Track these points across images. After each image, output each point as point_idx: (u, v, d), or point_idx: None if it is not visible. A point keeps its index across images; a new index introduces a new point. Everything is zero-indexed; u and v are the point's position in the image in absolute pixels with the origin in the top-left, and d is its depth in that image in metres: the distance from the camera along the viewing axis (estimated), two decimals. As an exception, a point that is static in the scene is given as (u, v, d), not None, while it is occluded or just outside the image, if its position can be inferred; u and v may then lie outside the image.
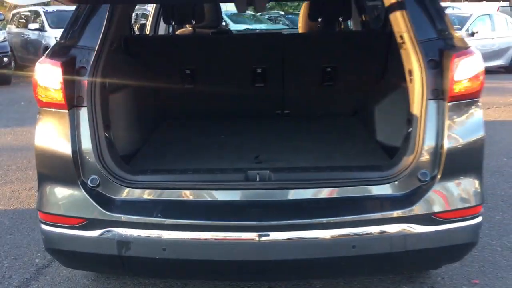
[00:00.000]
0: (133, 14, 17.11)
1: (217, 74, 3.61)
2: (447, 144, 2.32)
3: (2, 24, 16.61)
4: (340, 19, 3.43)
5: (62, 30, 2.71)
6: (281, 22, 19.89)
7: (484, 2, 31.00)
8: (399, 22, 2.58)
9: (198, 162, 2.76)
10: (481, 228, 2.45)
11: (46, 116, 2.42)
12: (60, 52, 2.47)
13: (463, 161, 2.36)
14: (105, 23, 2.54)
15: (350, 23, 5.06)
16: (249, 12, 18.47)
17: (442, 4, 2.64)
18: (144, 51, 3.49)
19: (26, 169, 5.37)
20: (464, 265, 3.12)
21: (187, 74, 3.58)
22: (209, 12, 4.38)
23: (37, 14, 14.81)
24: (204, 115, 3.71)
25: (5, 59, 12.17)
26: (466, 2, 31.52)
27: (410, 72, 2.52)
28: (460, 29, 12.49)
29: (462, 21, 13.34)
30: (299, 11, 23.72)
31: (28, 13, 15.46)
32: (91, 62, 2.44)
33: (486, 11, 14.94)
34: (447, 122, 2.34)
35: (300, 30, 4.24)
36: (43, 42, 13.47)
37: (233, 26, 16.76)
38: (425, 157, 2.33)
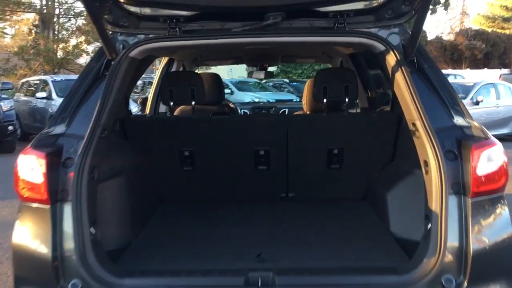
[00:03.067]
0: (140, 82, 17.28)
1: (218, 157, 3.42)
2: (473, 245, 2.07)
3: (11, 93, 16.87)
4: (346, 99, 3.28)
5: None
6: (285, 89, 20.14)
7: (486, 69, 31.62)
8: (410, 108, 2.41)
9: (194, 260, 2.50)
10: None
11: (26, 212, 2.21)
12: (46, 141, 2.30)
13: (492, 265, 2.10)
14: (97, 108, 2.38)
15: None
16: (254, 79, 18.72)
17: (444, 71, 2.53)
18: (140, 133, 3.33)
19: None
20: None
21: (186, 156, 3.40)
22: (211, 88, 4.27)
23: (45, 83, 15.05)
24: (203, 201, 3.49)
25: (10, 127, 12.17)
26: (468, 69, 32.15)
27: (426, 163, 2.31)
28: (464, 98, 12.46)
29: (466, 90, 13.36)
30: (303, 78, 24.13)
31: (37, 82, 15.72)
32: (79, 151, 2.26)
33: (489, 80, 15.03)
34: (471, 220, 2.11)
35: (304, 107, 4.09)
36: (49, 110, 13.55)
37: (238, 94, 16.97)
38: (449, 260, 2.08)
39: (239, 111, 5.99)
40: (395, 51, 2.54)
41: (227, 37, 2.67)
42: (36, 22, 28.11)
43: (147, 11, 2.71)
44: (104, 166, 2.52)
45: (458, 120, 2.35)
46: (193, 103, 3.29)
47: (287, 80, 22.42)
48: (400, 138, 3.28)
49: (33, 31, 28.44)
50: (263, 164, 3.45)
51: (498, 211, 2.20)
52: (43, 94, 14.18)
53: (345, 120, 3.33)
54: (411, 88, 2.40)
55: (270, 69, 5.98)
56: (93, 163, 2.34)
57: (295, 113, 4.18)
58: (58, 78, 15.11)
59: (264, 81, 18.75)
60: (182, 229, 3.08)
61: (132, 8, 2.66)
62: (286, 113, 5.98)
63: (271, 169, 3.47)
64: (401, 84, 2.48)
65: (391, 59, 2.57)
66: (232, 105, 5.89)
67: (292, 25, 2.71)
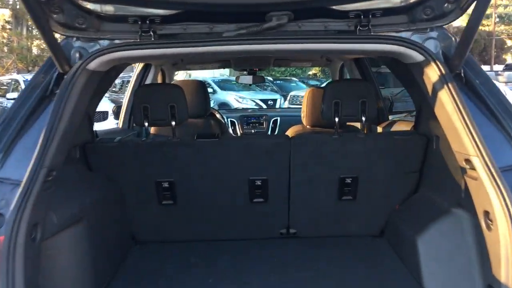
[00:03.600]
0: (119, 81, 16.31)
1: (204, 188, 2.79)
2: None
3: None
4: (363, 118, 2.67)
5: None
6: (269, 88, 19.52)
7: None
8: (463, 140, 1.82)
9: None
10: None
11: None
12: None
13: None
14: (41, 141, 1.74)
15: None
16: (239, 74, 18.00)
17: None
18: (108, 162, 2.68)
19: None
20: None
21: (165, 188, 2.75)
22: (195, 99, 3.63)
23: (17, 82, 14.18)
24: (186, 241, 2.84)
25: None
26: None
27: (487, 214, 1.73)
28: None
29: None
30: (286, 76, 23.52)
31: (9, 81, 14.82)
32: (13, 205, 1.62)
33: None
34: None
35: (304, 120, 3.44)
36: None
37: (221, 93, 16.29)
38: None
39: (225, 120, 5.34)
40: (438, 63, 1.95)
41: (217, 44, 2.04)
42: (9, 19, 26.95)
43: (111, 9, 2.07)
44: (52, 218, 1.87)
45: None
46: (173, 123, 2.65)
47: (270, 78, 21.79)
48: (427, 164, 2.70)
49: (6, 27, 27.26)
50: (259, 196, 2.83)
51: None
52: (14, 95, 13.31)
53: (362, 143, 2.71)
54: (464, 113, 1.81)
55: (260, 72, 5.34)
56: (34, 219, 1.70)
57: (295, 129, 3.52)
58: (30, 77, 14.22)
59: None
60: (157, 278, 2.45)
61: (91, 5, 2.01)
62: (279, 122, 5.35)
63: (269, 202, 2.85)
64: (448, 107, 1.89)
65: (432, 72, 1.98)
66: (218, 115, 5.23)
67: (300, 28, 2.10)
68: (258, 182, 2.78)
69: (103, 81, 2.42)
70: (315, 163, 2.73)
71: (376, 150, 2.71)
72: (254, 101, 15.87)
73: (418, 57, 2.02)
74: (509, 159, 1.76)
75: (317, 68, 22.53)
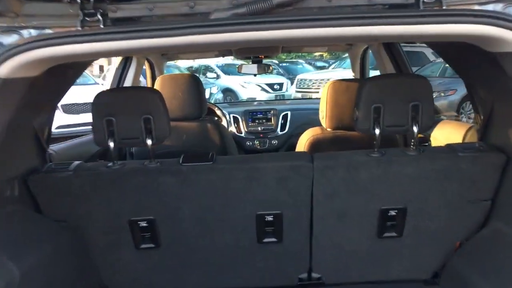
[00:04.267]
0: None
1: (196, 227, 2.05)
2: None
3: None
4: (415, 128, 1.90)
5: None
6: (274, 71, 18.64)
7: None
8: None
9: None
10: None
11: None
12: None
13: None
14: None
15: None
16: (241, 61, 17.22)
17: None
18: (60, 199, 1.94)
19: None
20: None
21: (143, 228, 2.02)
22: (187, 99, 2.87)
23: None
24: None
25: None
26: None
27: None
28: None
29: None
30: (292, 59, 22.63)
31: None
32: None
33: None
34: None
35: (324, 122, 2.67)
36: None
37: (225, 78, 15.49)
38: None
39: (227, 117, 4.56)
40: None
41: (202, 31, 1.29)
42: None
43: None
44: None
45: None
46: (149, 142, 1.89)
47: (276, 61, 20.88)
48: (504, 190, 1.94)
49: None
50: (271, 235, 2.09)
51: None
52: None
53: (414, 163, 1.95)
54: None
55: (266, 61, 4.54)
56: None
57: (312, 133, 2.73)
58: None
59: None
60: None
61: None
62: (289, 117, 4.56)
63: (284, 242, 2.11)
64: None
65: None
66: (218, 111, 4.46)
67: (331, 3, 1.34)
68: (269, 218, 2.04)
69: (46, 88, 1.68)
70: (348, 191, 1.98)
71: (432, 171, 1.95)
72: (260, 86, 15.10)
73: None
74: None
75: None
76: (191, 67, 17.01)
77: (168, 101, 2.57)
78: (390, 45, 3.27)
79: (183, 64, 16.52)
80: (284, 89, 15.45)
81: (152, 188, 1.95)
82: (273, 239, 2.11)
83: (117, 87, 2.00)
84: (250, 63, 4.30)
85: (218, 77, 15.87)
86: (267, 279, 2.22)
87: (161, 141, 1.93)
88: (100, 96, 1.87)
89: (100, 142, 1.89)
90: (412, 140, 1.94)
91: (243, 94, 14.61)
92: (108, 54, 1.62)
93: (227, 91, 14.95)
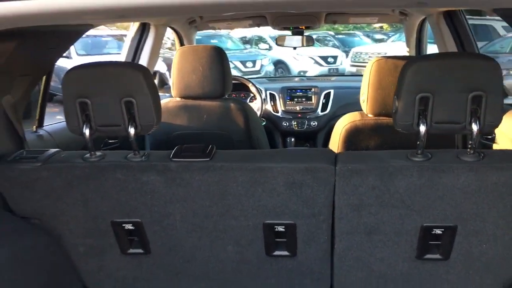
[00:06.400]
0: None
1: (192, 236, 1.68)
2: None
3: None
4: (475, 127, 1.41)
5: None
6: (330, 43, 17.83)
7: None
8: None
9: None
10: None
11: None
12: None
13: None
14: None
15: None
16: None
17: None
18: (30, 195, 1.62)
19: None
20: None
21: (129, 232, 1.69)
22: (208, 74, 2.48)
23: None
24: None
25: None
26: None
27: None
28: None
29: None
30: (349, 30, 21.58)
31: None
32: None
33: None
34: None
35: (365, 107, 2.20)
36: None
37: (276, 50, 14.94)
38: None
39: (262, 94, 4.13)
40: None
41: None
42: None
43: None
44: None
45: None
46: (131, 132, 1.53)
47: (332, 33, 19.97)
48: None
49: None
50: (282, 248, 1.70)
51: None
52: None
53: (470, 171, 1.47)
54: None
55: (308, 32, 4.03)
56: None
57: (350, 119, 2.27)
58: None
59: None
60: None
61: None
62: (332, 96, 4.06)
63: (298, 257, 1.72)
64: None
65: None
66: (252, 87, 4.04)
67: None
68: (280, 228, 1.65)
69: (15, 57, 1.34)
70: (380, 204, 1.54)
71: (495, 185, 1.47)
72: (313, 59, 14.47)
73: None
74: None
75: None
76: (245, 37, 16.62)
77: (186, 76, 2.20)
78: (453, 16, 2.71)
79: (237, 35, 16.15)
80: (338, 62, 14.74)
81: (135, 187, 1.60)
82: (285, 253, 1.72)
83: (92, 63, 1.65)
84: (290, 34, 3.82)
85: (270, 48, 15.38)
86: None
87: (148, 130, 1.57)
88: (71, 72, 1.51)
89: (74, 129, 1.55)
90: (470, 142, 1.47)
91: (295, 67, 14.06)
92: (82, 15, 1.24)
93: (278, 63, 14.46)
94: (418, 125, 1.46)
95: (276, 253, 1.72)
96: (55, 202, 1.64)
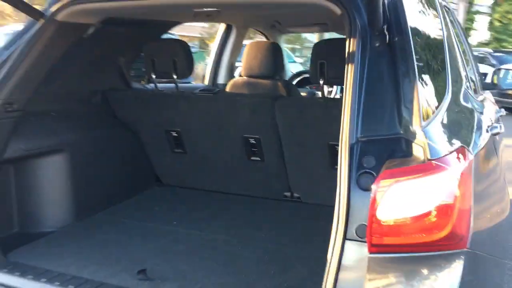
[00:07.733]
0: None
1: (206, 141, 2.95)
2: None
3: None
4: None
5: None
6: (485, 62, 17.26)
7: None
8: None
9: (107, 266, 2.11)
10: None
11: None
12: None
13: None
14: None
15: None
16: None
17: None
18: (125, 109, 3.02)
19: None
20: None
21: (174, 137, 2.98)
22: (264, 60, 3.68)
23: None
24: (198, 187, 3.09)
25: None
26: None
27: None
28: None
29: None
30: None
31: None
32: None
33: None
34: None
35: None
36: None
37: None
38: None
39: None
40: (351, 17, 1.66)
41: None
42: None
43: None
44: (18, 144, 2.29)
45: (403, 127, 1.45)
46: (175, 76, 2.78)
47: (490, 50, 19.17)
48: None
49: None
50: (256, 155, 2.83)
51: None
52: None
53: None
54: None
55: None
56: None
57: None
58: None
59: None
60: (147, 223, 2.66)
61: None
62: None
63: (266, 161, 2.83)
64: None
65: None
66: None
67: None
68: (252, 141, 2.78)
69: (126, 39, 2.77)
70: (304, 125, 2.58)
71: None
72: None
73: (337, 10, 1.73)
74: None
75: None
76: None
77: (249, 60, 3.40)
78: None
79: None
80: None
81: (176, 108, 2.88)
82: (258, 158, 2.84)
83: (159, 39, 3.01)
84: None
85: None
86: (259, 191, 2.97)
87: (184, 76, 2.82)
88: (148, 46, 2.84)
89: (148, 73, 2.87)
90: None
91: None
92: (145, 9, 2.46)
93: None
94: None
95: (253, 158, 2.85)
96: (137, 114, 2.99)
